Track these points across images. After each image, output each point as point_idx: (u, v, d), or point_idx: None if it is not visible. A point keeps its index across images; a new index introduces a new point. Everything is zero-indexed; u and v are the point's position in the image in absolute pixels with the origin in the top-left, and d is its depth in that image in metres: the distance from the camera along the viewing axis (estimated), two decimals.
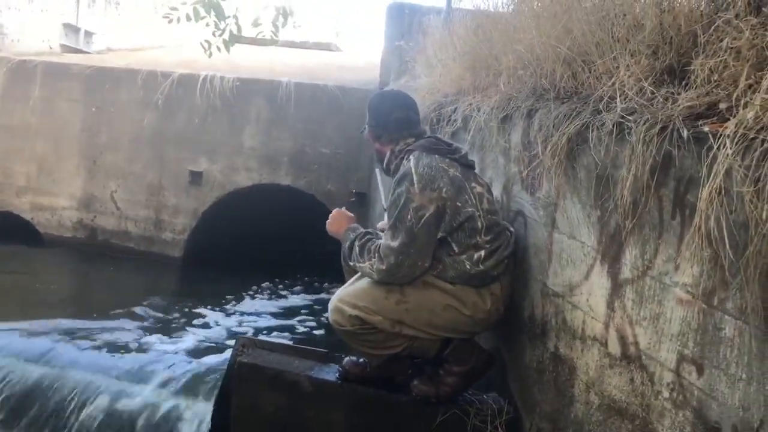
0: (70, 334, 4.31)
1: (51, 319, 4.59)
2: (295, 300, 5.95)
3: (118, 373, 3.72)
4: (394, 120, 2.94)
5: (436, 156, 2.72)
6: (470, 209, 2.67)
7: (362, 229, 2.90)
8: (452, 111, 3.63)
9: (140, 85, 7.12)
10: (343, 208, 3.07)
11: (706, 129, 1.67)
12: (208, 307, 5.35)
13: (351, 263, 2.81)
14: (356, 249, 2.79)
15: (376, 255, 2.69)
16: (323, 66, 8.94)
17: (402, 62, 6.23)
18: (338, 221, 2.99)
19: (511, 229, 2.82)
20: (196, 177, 7.08)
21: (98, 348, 4.12)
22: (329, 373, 3.02)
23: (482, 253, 2.67)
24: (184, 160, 7.12)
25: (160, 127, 7.13)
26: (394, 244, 2.64)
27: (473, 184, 2.73)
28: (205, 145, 7.07)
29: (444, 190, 2.64)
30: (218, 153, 7.06)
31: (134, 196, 7.25)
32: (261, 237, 7.19)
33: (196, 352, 4.16)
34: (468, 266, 2.67)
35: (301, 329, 5.06)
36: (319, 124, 6.98)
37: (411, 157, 2.73)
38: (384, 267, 2.66)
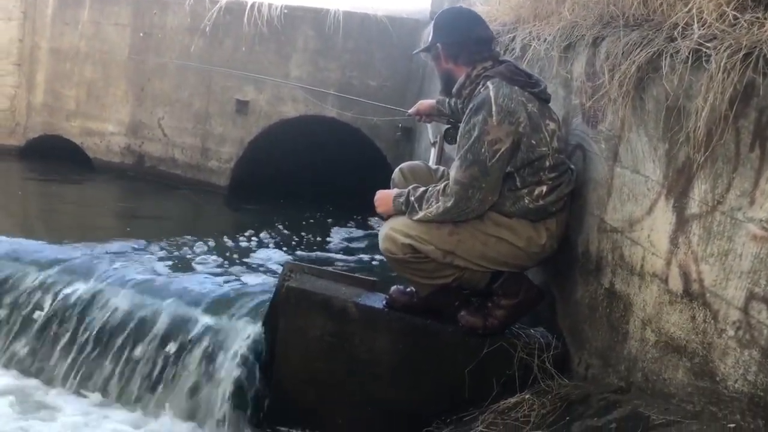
0: (120, 256, 4.40)
1: (101, 241, 4.68)
2: (340, 231, 5.95)
3: (168, 295, 3.78)
4: (476, 38, 2.74)
5: (517, 88, 2.58)
6: (543, 149, 2.58)
7: (406, 189, 2.79)
8: (510, 40, 3.50)
9: (188, 11, 7.04)
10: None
11: None
12: (255, 234, 5.40)
13: (416, 218, 2.68)
14: (415, 204, 2.69)
15: (441, 194, 2.62)
16: None
17: None
18: (383, 199, 2.85)
19: (573, 167, 2.73)
20: (242, 106, 7.05)
21: (148, 270, 4.19)
22: (376, 301, 3.03)
23: (544, 188, 2.61)
24: (230, 89, 7.09)
25: (207, 54, 7.08)
26: (464, 177, 2.56)
27: (548, 121, 2.62)
28: (251, 73, 7.00)
29: (522, 125, 2.54)
30: (264, 82, 7.00)
31: (181, 123, 7.27)
32: (307, 168, 7.20)
33: (243, 277, 4.22)
34: (527, 201, 2.62)
35: (346, 260, 5.08)
36: (366, 55, 6.84)
37: (489, 84, 2.59)
38: (452, 203, 2.58)
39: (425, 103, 3.53)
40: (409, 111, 3.64)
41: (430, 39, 2.87)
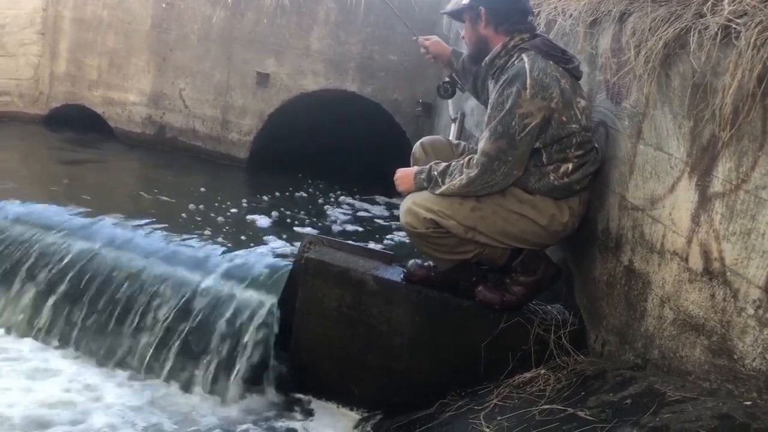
0: (139, 226, 4.42)
1: (119, 209, 4.71)
2: (359, 205, 5.98)
3: (186, 265, 3.82)
4: (521, 8, 2.72)
5: (552, 63, 2.55)
6: (574, 126, 2.56)
7: (426, 165, 2.77)
8: (534, 15, 3.46)
9: None
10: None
11: None
12: (273, 207, 5.43)
13: (438, 192, 2.68)
14: (438, 178, 2.68)
15: (466, 166, 2.61)
16: None
17: None
18: (403, 177, 2.84)
19: (597, 146, 2.71)
20: (263, 78, 7.05)
21: (166, 240, 4.21)
22: (394, 274, 3.06)
23: (570, 166, 2.59)
24: (251, 61, 7.07)
25: (228, 25, 7.07)
26: (491, 149, 2.55)
27: (578, 99, 2.60)
28: (272, 46, 6.99)
29: (555, 101, 2.52)
30: (285, 55, 6.99)
31: (202, 95, 7.28)
32: (326, 142, 7.20)
33: (261, 248, 4.24)
34: (552, 177, 2.61)
35: (364, 234, 5.11)
36: (388, 29, 6.79)
37: (525, 56, 2.56)
38: (476, 173, 2.57)
39: (441, 43, 3.31)
40: (420, 37, 3.38)
41: (467, 1, 2.78)
